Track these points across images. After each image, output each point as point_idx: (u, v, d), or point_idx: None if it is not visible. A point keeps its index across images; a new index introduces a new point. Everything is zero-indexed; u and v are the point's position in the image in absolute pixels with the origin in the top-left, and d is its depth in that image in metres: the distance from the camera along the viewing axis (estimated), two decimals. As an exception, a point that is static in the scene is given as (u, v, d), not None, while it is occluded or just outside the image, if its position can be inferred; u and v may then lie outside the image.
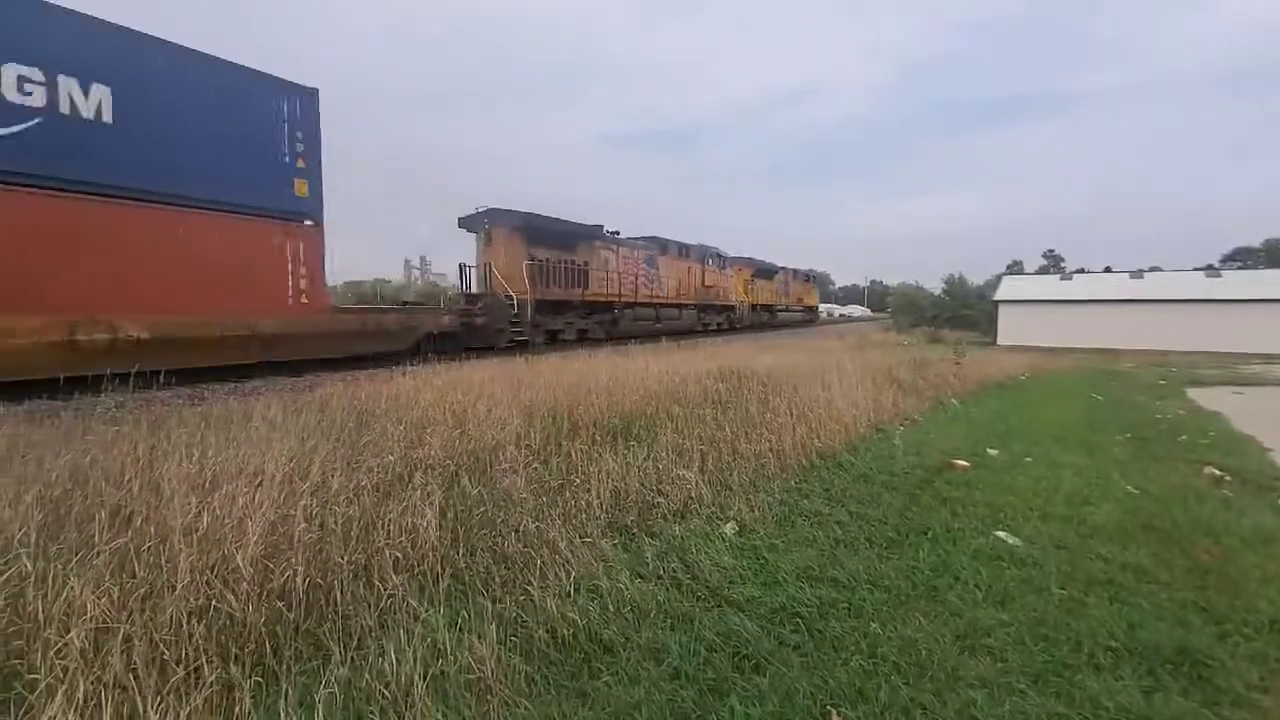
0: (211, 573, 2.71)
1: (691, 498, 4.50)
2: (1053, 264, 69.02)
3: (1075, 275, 38.75)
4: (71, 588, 2.46)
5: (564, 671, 2.62)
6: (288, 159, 11.52)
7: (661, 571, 3.49)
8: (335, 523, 3.26)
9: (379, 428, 5.36)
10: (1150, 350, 26.53)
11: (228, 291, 10.44)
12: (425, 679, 2.28)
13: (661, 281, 25.60)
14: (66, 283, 8.54)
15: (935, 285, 44.56)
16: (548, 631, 2.82)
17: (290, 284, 11.43)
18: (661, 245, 26.23)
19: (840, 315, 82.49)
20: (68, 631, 2.26)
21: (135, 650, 2.25)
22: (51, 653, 2.20)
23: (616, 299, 22.21)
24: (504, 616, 2.89)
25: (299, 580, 2.76)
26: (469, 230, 18.97)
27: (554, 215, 19.63)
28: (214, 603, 2.57)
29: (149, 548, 2.81)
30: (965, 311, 39.89)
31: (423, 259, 56.12)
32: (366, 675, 2.31)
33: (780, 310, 41.25)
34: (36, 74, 8.30)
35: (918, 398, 10.07)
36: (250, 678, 2.26)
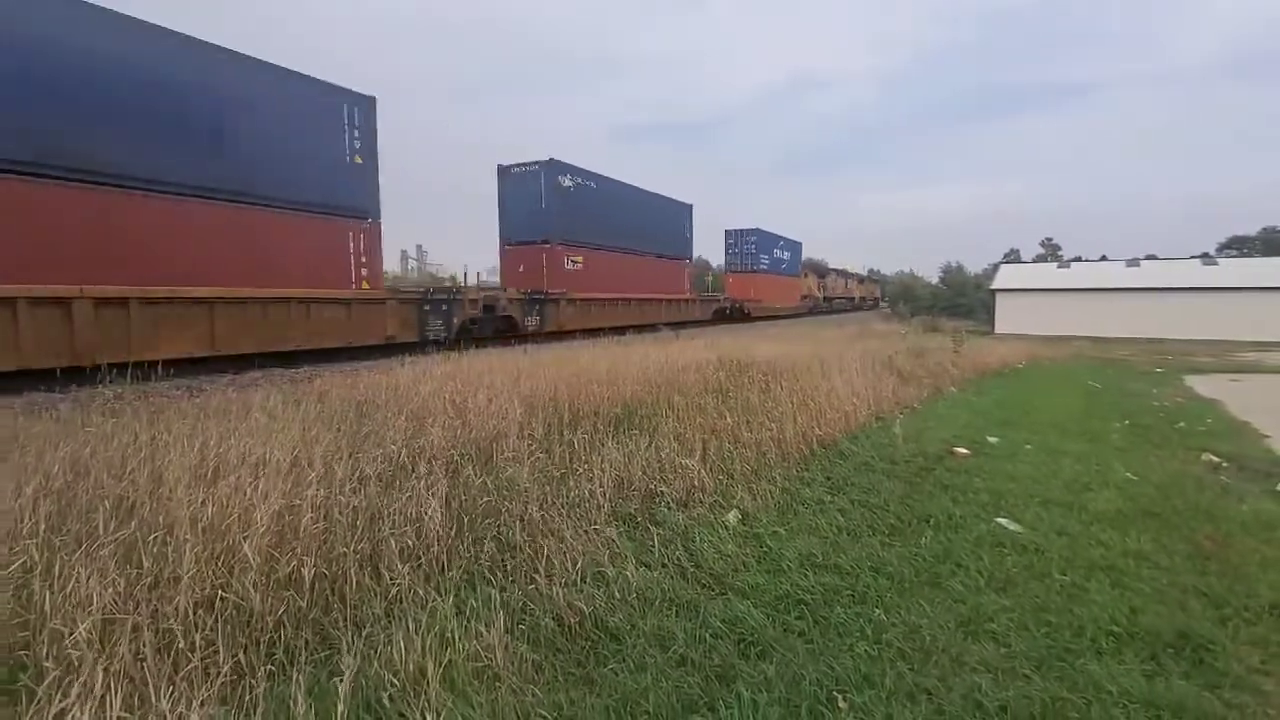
0: (218, 563, 2.71)
1: (694, 486, 4.51)
2: (1050, 253, 68.79)
3: (1072, 264, 38.81)
4: (78, 578, 2.46)
5: (571, 659, 2.64)
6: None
7: (666, 559, 3.50)
8: (340, 512, 3.26)
9: (380, 418, 5.36)
10: (1147, 338, 26.63)
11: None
12: (440, 667, 2.28)
13: (835, 289, 56.10)
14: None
15: (932, 274, 46.05)
16: (554, 619, 2.83)
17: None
18: (837, 272, 58.10)
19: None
20: (74, 622, 2.26)
21: (144, 640, 2.25)
22: (60, 644, 2.20)
23: (833, 297, 54.06)
24: (510, 605, 2.89)
25: (306, 571, 2.76)
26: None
27: (820, 261, 55.88)
28: (221, 593, 2.57)
29: (154, 538, 2.80)
30: (962, 300, 40.03)
31: (419, 248, 56.15)
32: (376, 664, 2.31)
33: (864, 300, 65.78)
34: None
35: (917, 386, 10.08)
36: (264, 666, 2.26)
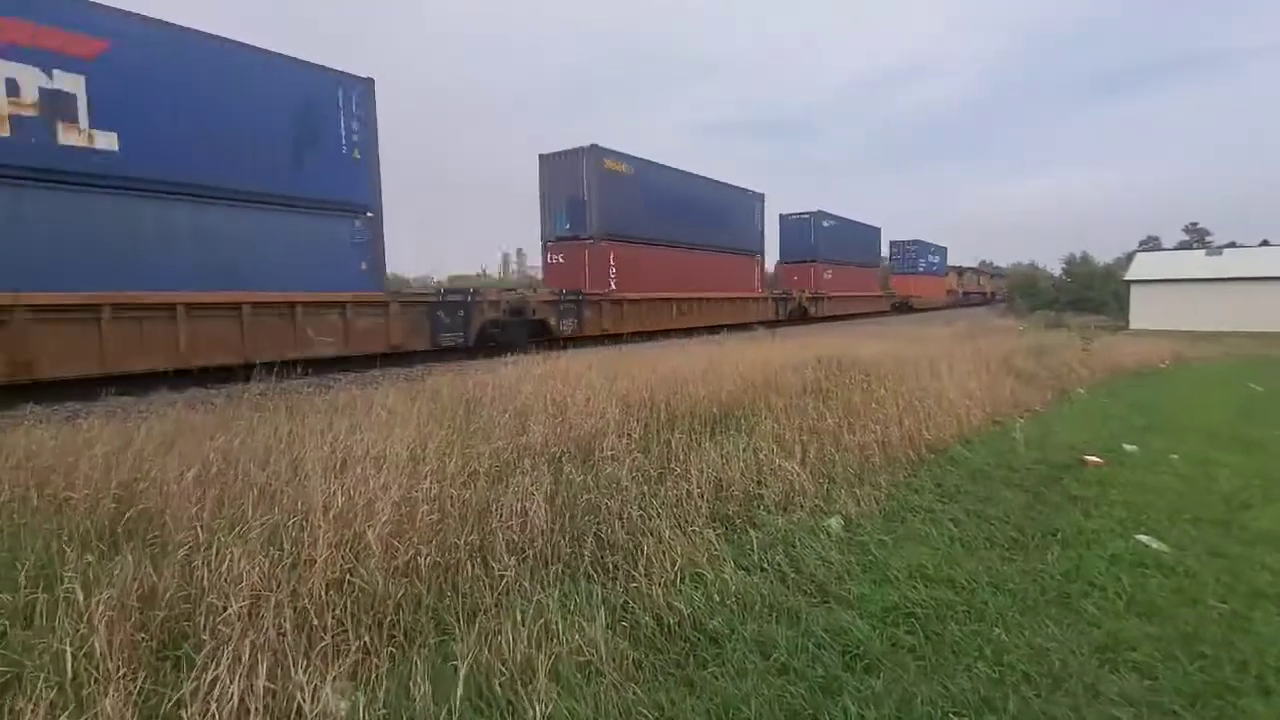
0: (346, 548, 2.93)
1: (794, 489, 4.40)
2: (1196, 239, 61.42)
3: (1225, 250, 34.36)
4: (231, 557, 2.73)
5: (670, 659, 2.64)
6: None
7: (766, 564, 3.44)
8: (452, 505, 3.44)
9: (486, 415, 5.61)
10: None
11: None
12: (551, 659, 2.36)
13: (970, 285, 63.57)
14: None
15: (1054, 266, 42.96)
16: (654, 618, 2.85)
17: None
18: (972, 270, 65.70)
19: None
20: (228, 598, 2.52)
21: (285, 616, 2.47)
22: (215, 617, 2.45)
23: (969, 292, 61.61)
24: (611, 602, 2.94)
25: (422, 560, 2.93)
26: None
27: (961, 265, 63.36)
28: (349, 576, 2.78)
29: (293, 523, 3.08)
30: (1090, 293, 36.70)
31: (519, 252, 60.23)
32: (487, 652, 2.42)
33: (994, 295, 70.48)
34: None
35: (1039, 388, 9.34)
36: (386, 648, 2.43)
